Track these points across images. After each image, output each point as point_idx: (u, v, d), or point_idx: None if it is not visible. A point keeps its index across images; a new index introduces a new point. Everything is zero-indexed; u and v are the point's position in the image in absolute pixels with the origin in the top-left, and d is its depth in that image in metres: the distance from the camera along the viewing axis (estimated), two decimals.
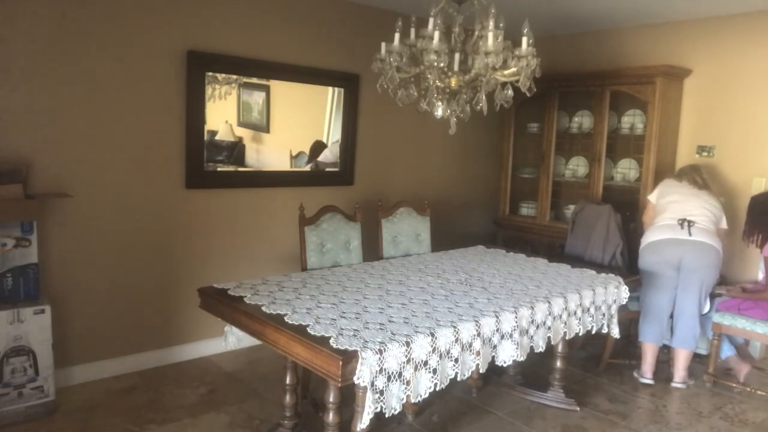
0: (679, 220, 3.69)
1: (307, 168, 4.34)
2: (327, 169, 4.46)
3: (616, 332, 3.26)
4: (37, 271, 3.06)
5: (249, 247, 4.08)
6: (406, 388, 2.12)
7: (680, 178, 3.92)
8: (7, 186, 2.91)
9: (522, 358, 2.62)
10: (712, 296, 3.78)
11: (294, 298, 2.57)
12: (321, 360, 2.05)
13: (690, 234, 3.62)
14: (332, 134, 4.45)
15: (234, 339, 2.67)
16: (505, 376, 3.61)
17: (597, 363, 3.99)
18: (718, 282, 3.78)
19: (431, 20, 2.52)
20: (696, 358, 3.98)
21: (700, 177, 3.87)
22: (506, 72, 2.58)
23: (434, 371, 2.20)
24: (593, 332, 3.13)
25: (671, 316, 3.81)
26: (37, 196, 3.07)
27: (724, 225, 3.81)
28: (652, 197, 3.97)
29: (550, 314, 2.76)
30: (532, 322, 2.66)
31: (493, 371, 3.29)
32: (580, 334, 3.00)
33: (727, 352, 3.82)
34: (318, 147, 4.41)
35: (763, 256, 3.71)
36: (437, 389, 2.22)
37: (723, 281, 3.93)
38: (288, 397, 2.80)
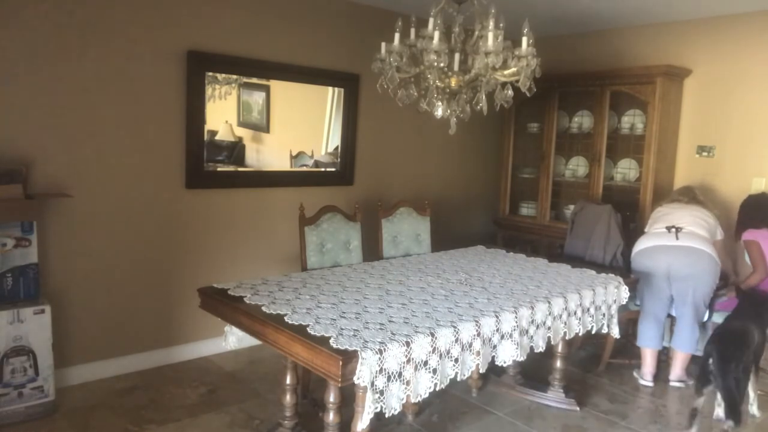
0: (667, 227, 3.68)
1: (311, 166, 4.34)
2: (327, 169, 4.46)
3: (616, 332, 3.26)
4: (37, 271, 3.06)
5: (249, 247, 4.08)
6: (406, 388, 2.12)
7: (669, 200, 3.96)
8: (7, 186, 2.91)
9: (522, 358, 2.62)
10: (715, 297, 3.74)
11: (294, 298, 2.57)
12: (321, 360, 2.05)
13: (677, 239, 3.59)
14: (332, 134, 4.45)
15: (234, 339, 2.67)
16: (505, 376, 3.61)
17: (597, 363, 3.99)
18: (718, 287, 3.72)
19: (431, 20, 2.53)
20: (699, 360, 3.97)
21: (686, 195, 3.90)
22: (506, 72, 2.58)
23: (434, 371, 2.20)
24: (593, 332, 3.13)
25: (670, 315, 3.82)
26: (37, 196, 3.07)
27: (720, 236, 3.77)
28: (646, 227, 3.95)
29: (550, 314, 2.76)
30: (532, 322, 2.66)
31: (493, 371, 3.29)
32: (580, 334, 3.00)
33: None
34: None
35: (743, 240, 3.71)
36: (437, 389, 2.22)
37: (726, 284, 3.91)
38: (288, 397, 2.80)
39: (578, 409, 3.35)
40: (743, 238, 3.70)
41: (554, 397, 3.40)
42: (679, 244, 3.58)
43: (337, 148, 4.46)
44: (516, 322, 2.55)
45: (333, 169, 4.49)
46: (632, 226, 4.37)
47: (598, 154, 4.68)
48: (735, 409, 2.83)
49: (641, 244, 3.76)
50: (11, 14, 3.02)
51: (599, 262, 4.00)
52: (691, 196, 3.90)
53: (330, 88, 4.37)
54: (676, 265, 3.59)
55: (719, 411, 3.12)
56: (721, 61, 4.34)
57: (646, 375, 3.75)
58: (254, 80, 3.97)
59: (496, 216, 5.50)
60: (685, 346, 3.68)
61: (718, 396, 3.01)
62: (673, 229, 3.64)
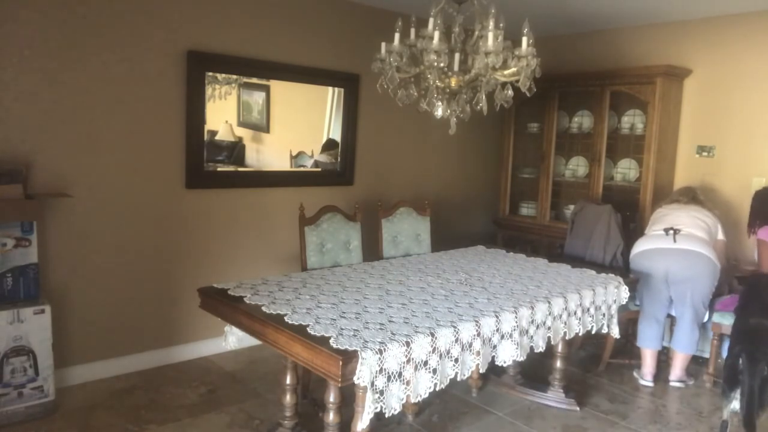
0: (665, 228, 3.67)
1: (310, 166, 4.34)
2: (327, 169, 4.46)
3: (616, 332, 3.26)
4: (37, 271, 3.06)
5: (249, 247, 4.08)
6: (406, 388, 2.12)
7: (669, 201, 3.95)
8: (7, 186, 2.90)
9: (522, 358, 2.63)
10: (716, 296, 3.74)
11: (294, 298, 2.57)
12: (321, 360, 2.05)
13: (675, 241, 3.58)
14: (332, 134, 4.45)
15: (234, 339, 2.67)
16: (505, 376, 3.61)
17: (597, 363, 3.99)
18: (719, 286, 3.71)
19: (431, 20, 2.53)
20: (699, 359, 3.98)
21: (686, 195, 3.89)
22: (506, 72, 2.58)
23: (434, 371, 2.20)
24: (593, 332, 3.13)
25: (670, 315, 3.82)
26: (37, 196, 3.07)
27: (721, 236, 3.75)
28: (646, 229, 3.94)
29: (550, 314, 2.76)
30: (532, 322, 2.66)
31: (493, 371, 3.29)
32: (580, 334, 3.00)
33: None
34: (330, 144, 4.43)
35: (757, 239, 3.71)
36: (437, 389, 2.22)
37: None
38: (288, 397, 2.80)
39: (578, 409, 3.35)
40: (758, 237, 3.69)
41: (554, 397, 3.40)
42: (676, 246, 3.57)
43: (332, 143, 4.44)
44: (516, 322, 2.55)
45: (320, 169, 4.47)
46: (632, 226, 4.37)
47: (598, 154, 4.68)
48: (751, 416, 2.76)
49: (639, 247, 3.75)
50: (12, 14, 3.02)
51: (599, 262, 4.00)
52: (690, 196, 3.89)
53: (330, 88, 4.37)
54: (673, 268, 3.58)
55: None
56: (721, 61, 4.34)
57: (646, 375, 3.75)
58: (254, 80, 3.97)
59: (496, 216, 5.50)
60: (685, 347, 3.67)
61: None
62: (671, 231, 3.63)
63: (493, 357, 2.49)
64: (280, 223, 4.18)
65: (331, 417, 2.35)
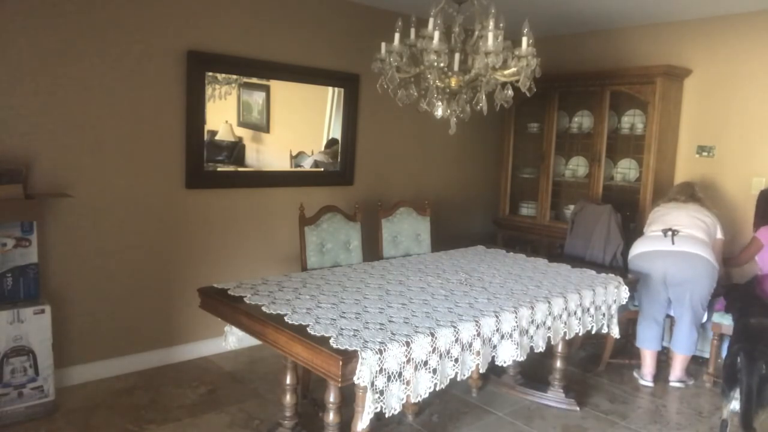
0: (663, 229, 3.65)
1: (309, 166, 4.34)
2: (327, 169, 4.46)
3: (616, 332, 3.26)
4: (37, 271, 3.06)
5: (249, 247, 4.08)
6: (406, 388, 2.12)
7: (668, 200, 3.92)
8: (7, 186, 2.91)
9: (522, 358, 2.62)
10: (715, 296, 3.74)
11: (294, 298, 2.57)
12: (321, 360, 2.05)
13: (673, 243, 3.56)
14: (332, 134, 4.45)
15: (234, 339, 2.67)
16: (505, 376, 3.61)
17: (597, 363, 3.99)
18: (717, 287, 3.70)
19: (431, 20, 2.53)
20: (699, 359, 3.98)
21: (684, 193, 3.86)
22: (506, 72, 2.58)
23: (434, 371, 2.20)
24: (593, 332, 3.13)
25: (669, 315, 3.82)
26: (37, 196, 3.07)
27: (719, 235, 3.73)
28: (644, 228, 3.93)
29: (550, 314, 2.76)
30: (532, 322, 2.66)
31: (493, 371, 3.29)
32: (580, 334, 3.00)
33: None
34: (334, 143, 4.45)
35: (754, 235, 3.75)
36: (437, 389, 2.22)
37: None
38: (288, 397, 2.80)
39: (578, 409, 3.35)
40: (756, 234, 3.70)
41: (554, 397, 3.40)
42: (674, 249, 3.56)
43: (335, 142, 4.44)
44: (516, 322, 2.55)
45: (322, 169, 4.48)
46: (632, 226, 4.37)
47: (598, 154, 4.68)
48: (748, 414, 2.75)
49: (637, 248, 3.74)
50: (12, 15, 3.02)
51: (599, 262, 3.99)
52: (689, 193, 3.86)
53: (330, 88, 4.37)
54: (672, 270, 3.57)
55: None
56: (721, 61, 4.34)
57: (646, 375, 3.75)
58: (254, 80, 3.96)
59: (496, 216, 5.50)
60: (684, 348, 3.67)
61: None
62: (669, 233, 3.61)
63: (493, 357, 2.49)
64: (280, 223, 4.18)
65: (331, 417, 2.35)
